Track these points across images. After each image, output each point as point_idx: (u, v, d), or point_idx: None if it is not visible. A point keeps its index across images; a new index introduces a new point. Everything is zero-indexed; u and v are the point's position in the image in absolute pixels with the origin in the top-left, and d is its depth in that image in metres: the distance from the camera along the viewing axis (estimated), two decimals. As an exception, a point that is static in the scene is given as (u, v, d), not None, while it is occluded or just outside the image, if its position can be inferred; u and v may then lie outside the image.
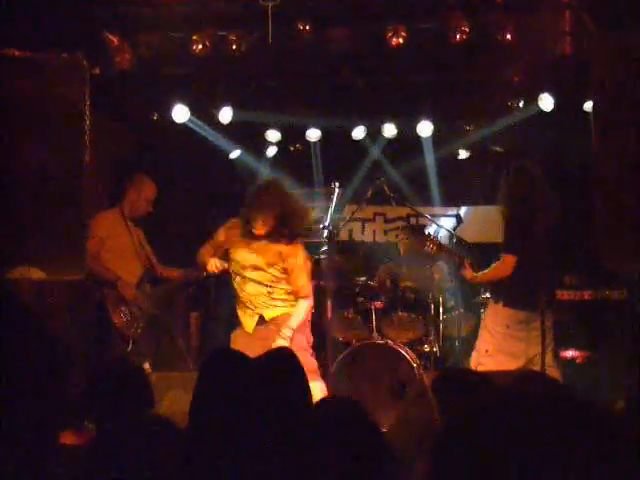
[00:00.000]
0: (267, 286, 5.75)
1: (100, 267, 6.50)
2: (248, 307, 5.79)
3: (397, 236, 9.31)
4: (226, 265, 5.82)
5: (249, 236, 5.74)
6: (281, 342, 5.50)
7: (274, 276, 5.73)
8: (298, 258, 5.73)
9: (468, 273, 5.88)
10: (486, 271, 5.86)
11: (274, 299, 5.77)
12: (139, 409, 3.08)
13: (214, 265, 5.79)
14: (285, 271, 5.72)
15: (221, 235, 5.91)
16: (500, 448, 1.77)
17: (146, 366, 6.22)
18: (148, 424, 2.85)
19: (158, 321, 6.65)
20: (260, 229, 5.64)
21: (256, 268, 5.75)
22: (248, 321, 5.78)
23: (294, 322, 5.67)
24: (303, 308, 5.75)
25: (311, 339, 5.93)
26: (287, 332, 5.61)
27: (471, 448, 1.82)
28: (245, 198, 5.79)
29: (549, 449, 1.77)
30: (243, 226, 5.75)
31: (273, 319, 5.76)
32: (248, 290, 5.78)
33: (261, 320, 5.77)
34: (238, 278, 5.82)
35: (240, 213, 5.81)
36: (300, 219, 5.74)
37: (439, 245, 6.21)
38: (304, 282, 5.76)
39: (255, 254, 5.75)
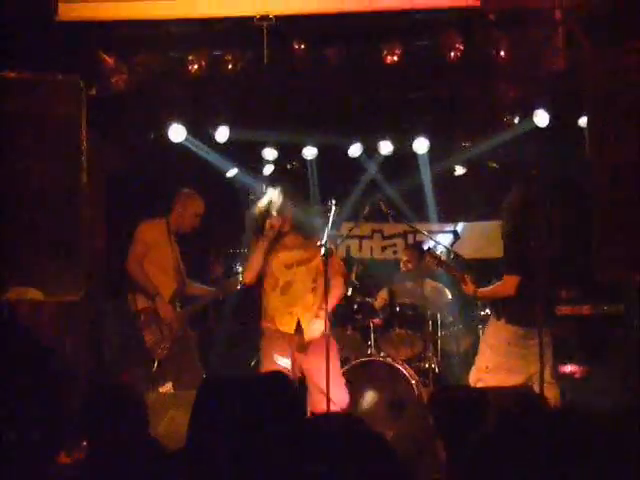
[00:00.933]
0: (313, 281, 5.90)
1: (143, 276, 6.47)
2: (287, 312, 5.87)
3: (395, 253, 9.34)
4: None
5: (281, 241, 5.91)
6: (317, 326, 5.76)
7: (318, 268, 5.86)
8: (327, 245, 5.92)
9: (469, 288, 5.85)
10: (488, 289, 5.84)
11: (315, 296, 5.87)
12: (133, 430, 3.07)
13: (274, 222, 5.81)
14: (324, 257, 5.80)
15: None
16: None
17: (168, 386, 6.19)
18: (138, 445, 2.86)
19: (182, 341, 6.60)
20: (286, 226, 5.87)
21: (301, 262, 5.91)
22: (287, 326, 5.85)
23: (333, 301, 5.90)
24: (340, 283, 6.04)
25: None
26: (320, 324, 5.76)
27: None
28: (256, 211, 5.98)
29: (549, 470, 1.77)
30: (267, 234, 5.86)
31: (312, 342, 5.80)
32: (293, 290, 5.88)
33: (299, 326, 5.85)
34: (281, 281, 5.88)
35: (256, 225, 5.97)
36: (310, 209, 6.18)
37: (439, 260, 6.20)
38: (340, 262, 6.13)
39: (297, 249, 5.92)
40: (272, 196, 5.97)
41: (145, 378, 6.21)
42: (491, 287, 5.81)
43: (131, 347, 6.48)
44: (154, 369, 6.27)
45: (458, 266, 6.25)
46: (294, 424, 2.07)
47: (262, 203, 6.00)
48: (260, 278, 5.94)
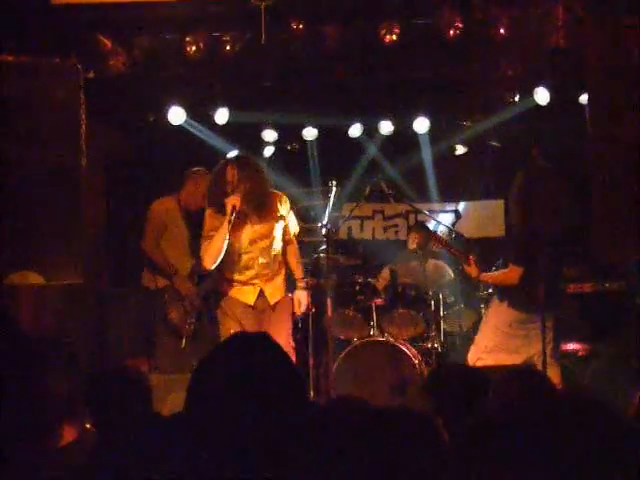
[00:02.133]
0: (272, 249, 5.91)
1: (160, 255, 6.52)
2: (250, 284, 5.91)
3: (396, 233, 9.33)
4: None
5: (242, 217, 5.77)
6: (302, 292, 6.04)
7: (277, 238, 5.91)
8: (286, 203, 5.96)
9: (473, 271, 5.81)
10: (491, 275, 5.81)
11: (273, 266, 5.93)
12: (138, 412, 3.08)
13: (234, 202, 5.60)
14: (283, 219, 5.91)
15: (213, 224, 5.79)
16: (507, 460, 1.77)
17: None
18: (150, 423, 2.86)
19: (205, 317, 6.62)
20: (245, 203, 5.70)
21: (263, 237, 5.87)
22: (249, 296, 5.90)
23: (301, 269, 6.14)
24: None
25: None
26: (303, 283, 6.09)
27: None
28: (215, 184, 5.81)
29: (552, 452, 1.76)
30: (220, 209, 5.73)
31: (277, 303, 5.93)
32: (256, 264, 5.89)
33: (261, 294, 5.91)
34: (245, 257, 5.87)
35: (213, 201, 5.81)
36: (265, 180, 5.92)
37: (444, 243, 6.14)
38: (295, 223, 6.10)
39: (259, 224, 5.86)
40: (226, 170, 5.76)
41: (175, 355, 6.25)
42: (495, 274, 5.77)
43: (158, 326, 6.50)
44: (183, 345, 6.30)
45: (462, 248, 6.19)
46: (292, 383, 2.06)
47: (217, 175, 5.84)
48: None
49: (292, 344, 6.00)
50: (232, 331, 5.74)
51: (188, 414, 1.98)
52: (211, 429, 1.94)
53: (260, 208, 5.82)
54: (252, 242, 5.87)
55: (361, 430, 2.17)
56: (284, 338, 5.77)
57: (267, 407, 1.94)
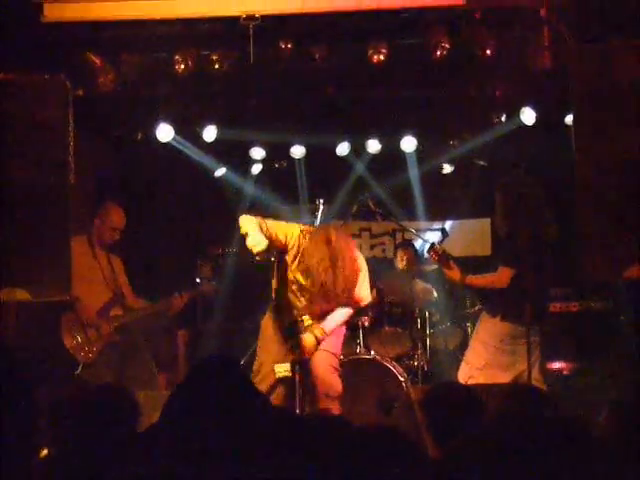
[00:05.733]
0: None
1: None
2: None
3: (383, 251, 9.35)
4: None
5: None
6: (317, 332, 5.51)
7: None
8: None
9: (455, 274, 5.75)
10: (478, 276, 5.77)
11: None
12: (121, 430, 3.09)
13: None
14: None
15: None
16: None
17: None
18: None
19: (123, 345, 6.41)
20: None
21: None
22: None
23: (331, 323, 5.68)
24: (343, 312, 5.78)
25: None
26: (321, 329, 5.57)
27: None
28: None
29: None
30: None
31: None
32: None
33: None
34: (294, 286, 5.61)
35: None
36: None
37: (442, 253, 5.96)
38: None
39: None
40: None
41: (65, 381, 6.07)
42: (484, 276, 5.74)
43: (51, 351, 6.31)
44: (78, 372, 6.10)
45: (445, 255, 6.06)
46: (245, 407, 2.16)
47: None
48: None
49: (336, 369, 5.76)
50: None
51: (161, 428, 2.05)
52: (181, 442, 2.01)
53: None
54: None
55: (343, 447, 2.20)
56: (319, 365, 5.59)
57: (230, 424, 2.01)
